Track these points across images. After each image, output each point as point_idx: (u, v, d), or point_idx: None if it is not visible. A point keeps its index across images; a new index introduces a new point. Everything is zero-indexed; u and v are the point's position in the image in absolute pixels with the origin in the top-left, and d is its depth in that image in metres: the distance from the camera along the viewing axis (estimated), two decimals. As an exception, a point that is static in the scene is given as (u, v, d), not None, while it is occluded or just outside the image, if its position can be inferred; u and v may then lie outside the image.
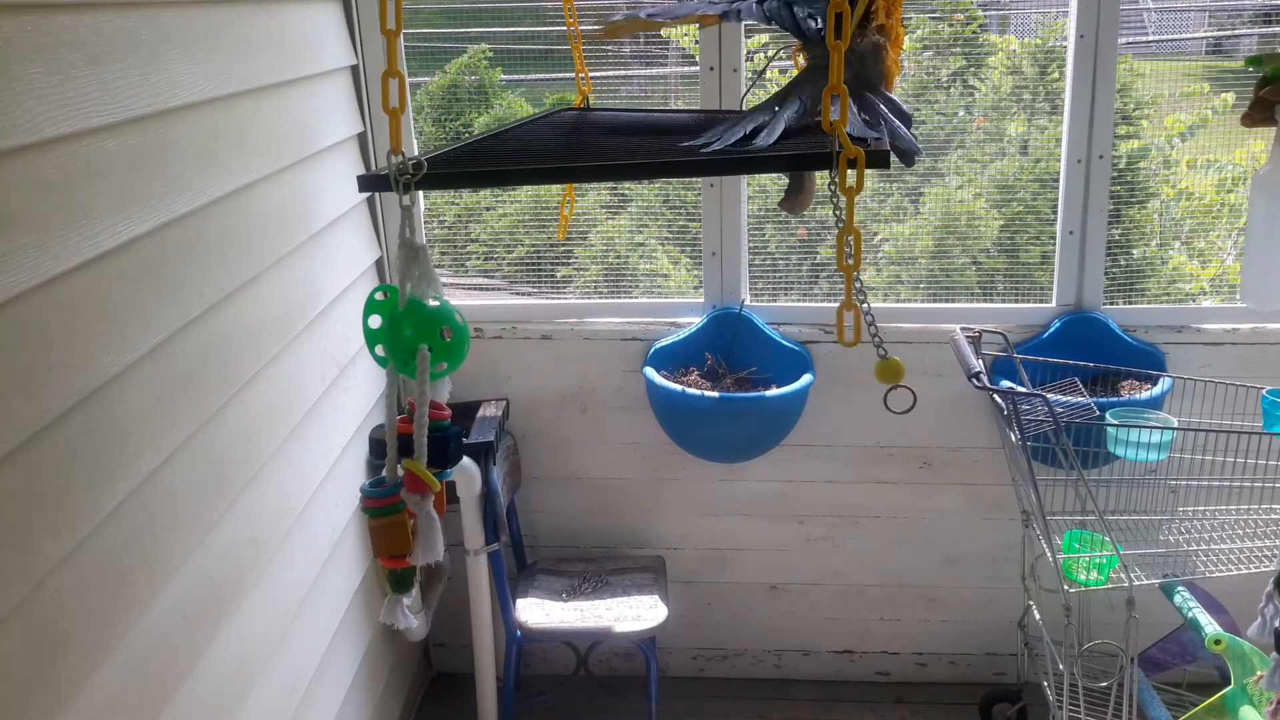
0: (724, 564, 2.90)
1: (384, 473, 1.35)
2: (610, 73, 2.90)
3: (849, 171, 1.19)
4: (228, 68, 1.80)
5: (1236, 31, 3.12)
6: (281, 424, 1.99)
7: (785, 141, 1.37)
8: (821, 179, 1.56)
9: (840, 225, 1.23)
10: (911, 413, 2.89)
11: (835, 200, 1.23)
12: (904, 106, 1.46)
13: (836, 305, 1.32)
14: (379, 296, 1.32)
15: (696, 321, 2.70)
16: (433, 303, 1.29)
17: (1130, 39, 2.78)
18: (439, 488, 1.31)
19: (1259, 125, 1.45)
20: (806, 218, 2.78)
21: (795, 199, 1.70)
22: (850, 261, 1.22)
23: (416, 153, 1.28)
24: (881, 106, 1.43)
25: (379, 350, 1.33)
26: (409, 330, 1.27)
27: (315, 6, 2.28)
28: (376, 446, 1.32)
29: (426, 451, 1.29)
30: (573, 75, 1.99)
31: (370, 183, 1.26)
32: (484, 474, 2.44)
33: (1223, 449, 2.19)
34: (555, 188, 2.84)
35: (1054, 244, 2.66)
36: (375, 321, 1.32)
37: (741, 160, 1.39)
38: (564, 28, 2.00)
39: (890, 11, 1.51)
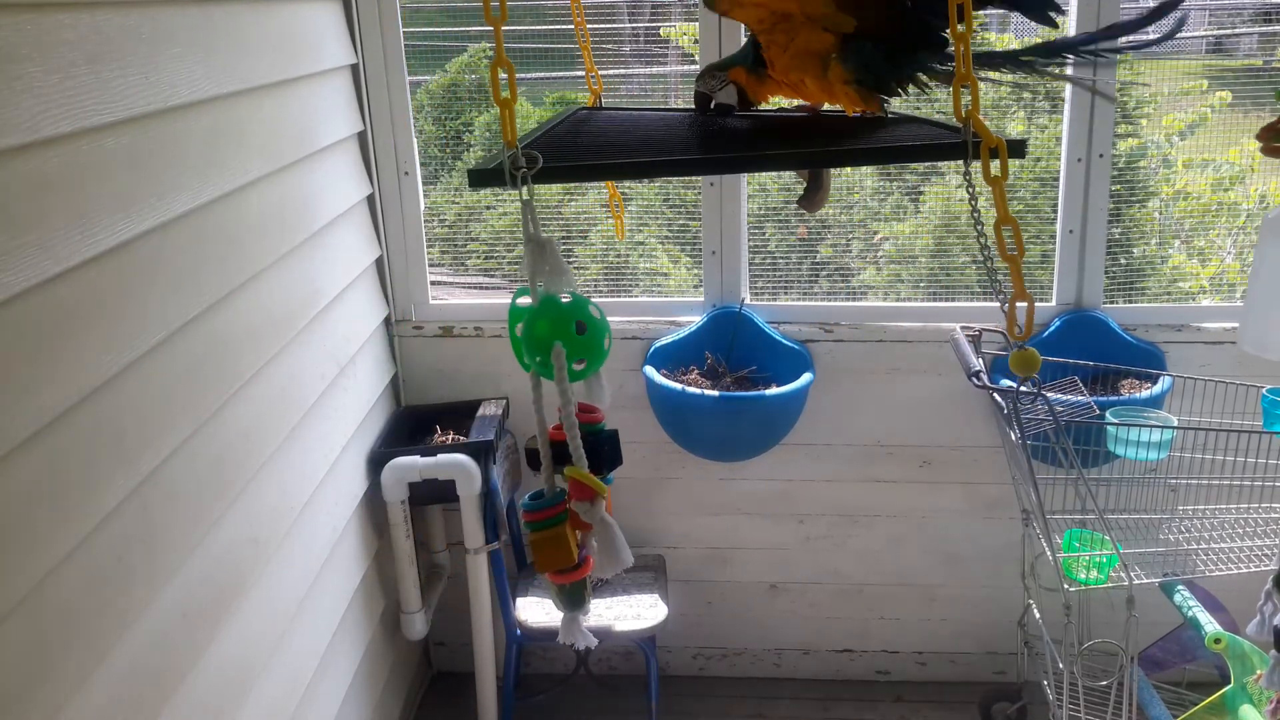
0: (724, 563, 2.90)
1: (544, 485, 1.27)
2: (610, 71, 2.90)
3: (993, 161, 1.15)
4: (228, 67, 1.80)
5: (1237, 30, 3.12)
6: (281, 423, 1.99)
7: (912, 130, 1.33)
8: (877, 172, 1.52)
9: (977, 216, 1.19)
10: (912, 411, 2.90)
11: (971, 190, 1.18)
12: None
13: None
14: (521, 301, 1.23)
15: (696, 320, 2.70)
16: (566, 297, 1.21)
17: (1130, 37, 2.77)
18: (606, 492, 1.22)
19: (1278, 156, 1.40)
20: (806, 218, 2.78)
21: (814, 197, 1.69)
22: (1013, 251, 1.17)
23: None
24: None
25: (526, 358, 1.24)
26: (543, 328, 1.19)
27: (315, 5, 2.28)
28: (531, 457, 1.23)
29: (584, 455, 1.21)
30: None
31: (483, 177, 1.18)
32: (484, 473, 2.44)
33: (1222, 448, 2.19)
34: (560, 188, 2.84)
35: (1054, 243, 2.66)
36: (520, 329, 1.23)
37: (878, 150, 1.34)
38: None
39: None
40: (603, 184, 2.89)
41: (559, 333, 1.18)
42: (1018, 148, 1.17)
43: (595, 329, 1.20)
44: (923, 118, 1.57)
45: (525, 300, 1.22)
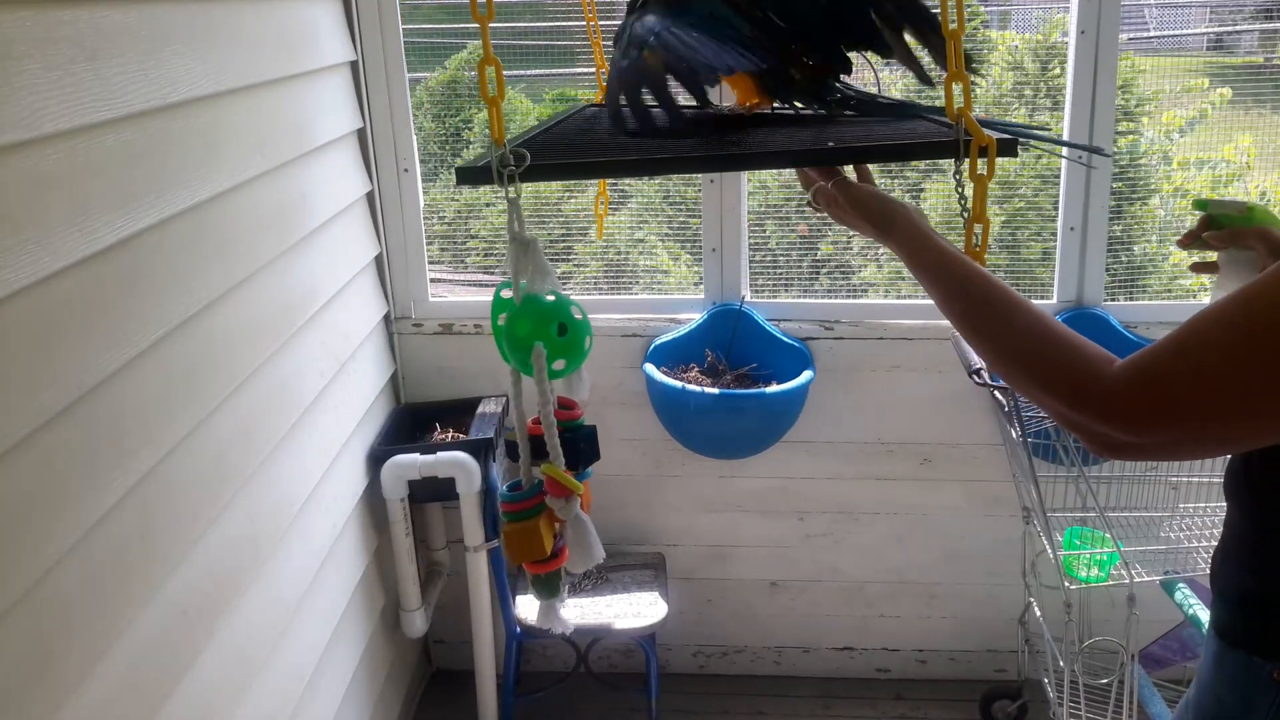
0: (724, 560, 2.90)
1: (521, 477, 1.28)
2: (610, 69, 2.89)
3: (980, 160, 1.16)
4: (227, 63, 1.79)
5: (1238, 27, 3.12)
6: (281, 420, 1.99)
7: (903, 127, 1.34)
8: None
9: (967, 214, 1.20)
10: (913, 409, 2.89)
11: (961, 189, 1.19)
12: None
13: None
14: (505, 294, 1.24)
15: (696, 318, 2.70)
16: (549, 297, 1.21)
17: (1131, 35, 2.78)
18: (581, 489, 1.24)
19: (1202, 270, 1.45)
20: (807, 215, 2.78)
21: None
22: (978, 247, 1.19)
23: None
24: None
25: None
26: (525, 328, 1.20)
27: (314, 2, 2.27)
28: (510, 449, 1.25)
29: (561, 453, 1.22)
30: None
31: (471, 174, 1.18)
32: (484, 471, 2.44)
33: (1223, 446, 2.18)
34: (560, 185, 2.83)
35: (1055, 240, 2.66)
36: (504, 320, 1.25)
37: (872, 149, 1.35)
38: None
39: None
40: (597, 184, 2.90)
41: (540, 333, 1.20)
42: (1008, 147, 1.18)
43: (576, 330, 1.22)
44: (913, 106, 1.57)
45: (509, 293, 1.23)
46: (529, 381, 1.22)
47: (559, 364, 1.22)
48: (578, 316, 1.22)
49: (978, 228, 1.19)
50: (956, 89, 1.18)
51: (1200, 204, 1.40)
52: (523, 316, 1.20)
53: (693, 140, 1.34)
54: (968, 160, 1.17)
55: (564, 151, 1.32)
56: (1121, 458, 1.01)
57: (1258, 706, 1.11)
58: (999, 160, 1.18)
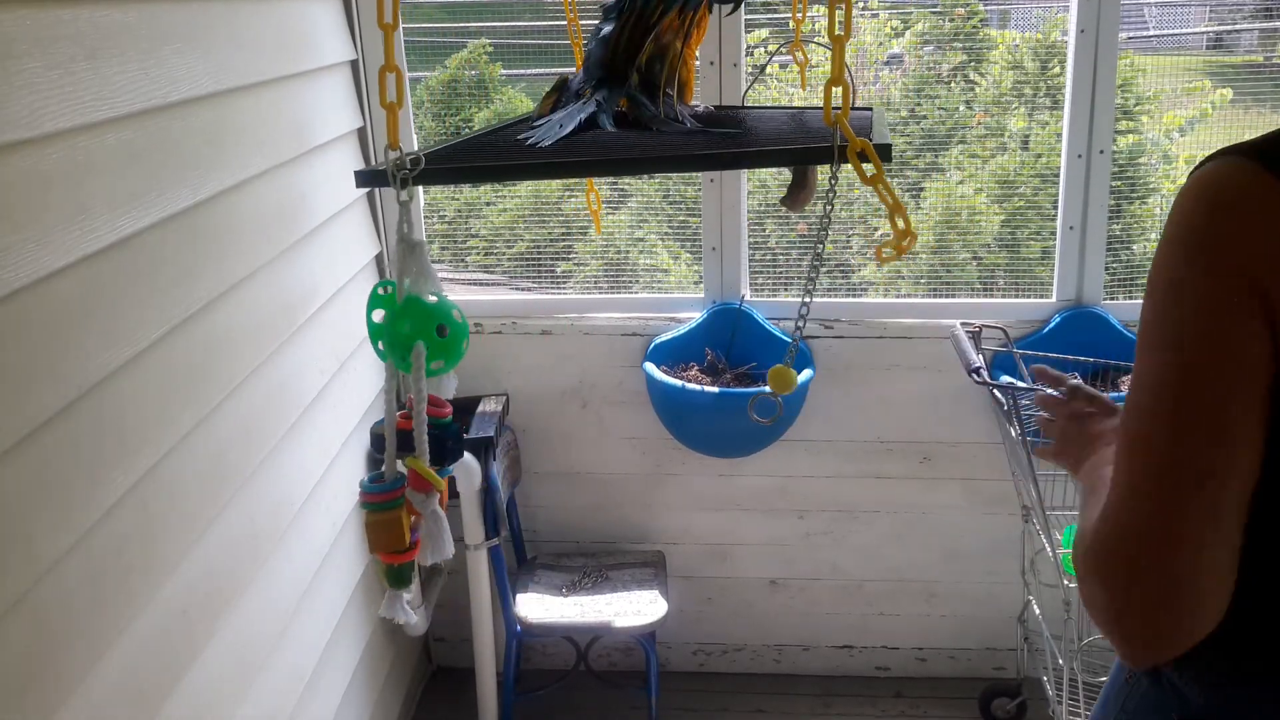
0: (724, 559, 2.90)
1: (383, 468, 1.34)
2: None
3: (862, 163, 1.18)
4: (227, 62, 1.79)
5: (1237, 26, 3.12)
6: (281, 419, 1.99)
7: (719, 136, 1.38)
8: (823, 173, 1.56)
9: (826, 217, 1.22)
10: (912, 408, 2.89)
11: (832, 194, 1.22)
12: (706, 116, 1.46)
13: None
14: (382, 291, 1.30)
15: (696, 317, 2.70)
16: (431, 299, 1.27)
17: (1131, 34, 2.78)
18: (442, 486, 1.29)
19: None
20: (807, 213, 2.78)
21: (798, 195, 1.70)
22: (895, 249, 1.21)
23: (417, 148, 1.28)
24: (679, 108, 1.45)
25: (380, 345, 1.32)
26: (406, 326, 1.26)
27: (314, 1, 2.27)
28: (377, 441, 1.31)
29: (427, 448, 1.27)
30: (572, 70, 1.97)
31: (368, 178, 1.25)
32: (484, 469, 2.44)
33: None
34: (559, 185, 2.83)
35: (1054, 239, 2.66)
36: (379, 315, 1.31)
37: (742, 155, 1.39)
38: (564, 23, 1.99)
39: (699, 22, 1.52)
40: (600, 180, 2.90)
41: (421, 333, 1.25)
42: (884, 150, 1.19)
43: (456, 332, 1.27)
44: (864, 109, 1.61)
45: (385, 290, 1.30)
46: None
47: (437, 364, 1.28)
48: (458, 319, 1.28)
49: (899, 221, 1.20)
50: (836, 93, 1.20)
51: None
52: (404, 316, 1.26)
53: (570, 147, 1.41)
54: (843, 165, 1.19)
55: (479, 156, 1.38)
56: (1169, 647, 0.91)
57: (1112, 707, 1.12)
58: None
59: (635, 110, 1.44)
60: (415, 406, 1.26)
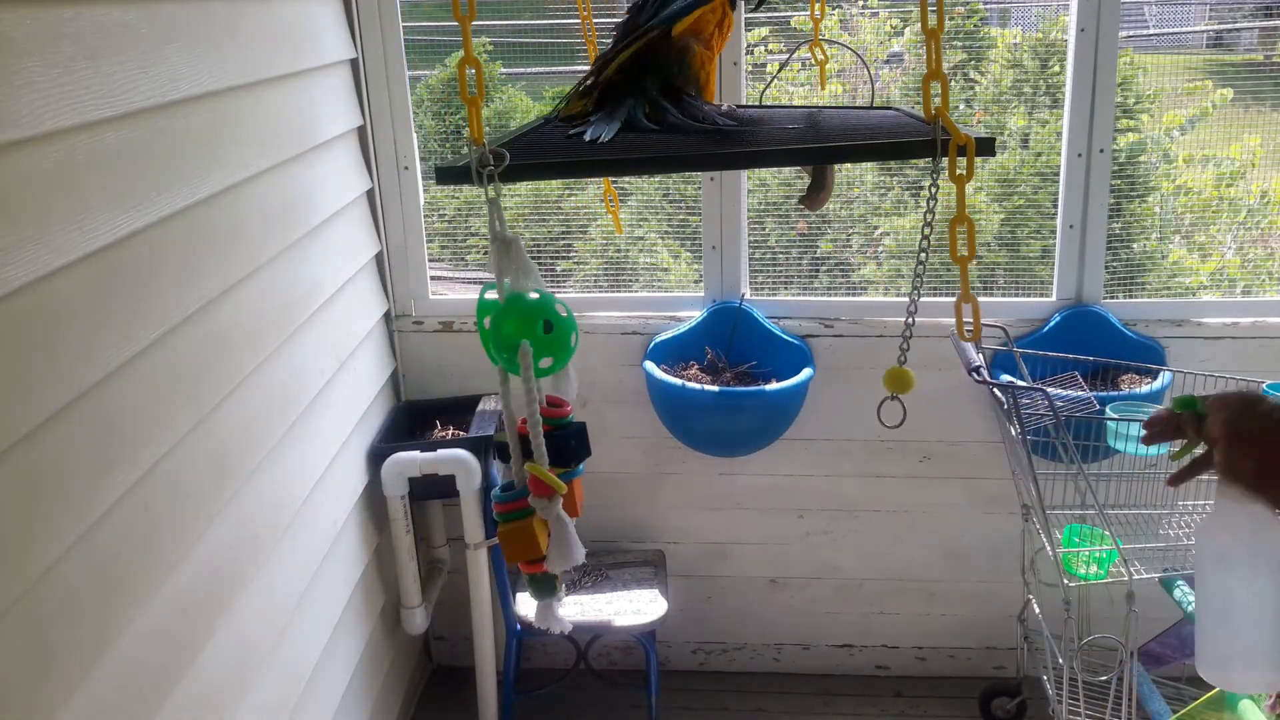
0: (724, 558, 2.90)
1: (513, 477, 1.28)
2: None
3: (959, 159, 1.16)
4: (227, 61, 1.79)
5: (1237, 25, 3.12)
6: (281, 418, 1.99)
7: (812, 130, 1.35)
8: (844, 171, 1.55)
9: (931, 215, 1.19)
10: (912, 407, 2.89)
11: (934, 190, 1.19)
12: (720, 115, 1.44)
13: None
14: (489, 295, 1.24)
15: (696, 315, 2.70)
16: (533, 295, 1.21)
17: (1131, 33, 2.78)
18: (564, 489, 1.23)
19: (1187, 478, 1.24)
20: (806, 213, 2.78)
21: (817, 195, 1.69)
22: (964, 252, 1.18)
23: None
24: (701, 107, 1.43)
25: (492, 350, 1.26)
26: (510, 327, 1.20)
27: (314, 0, 2.27)
28: (500, 450, 1.26)
29: (545, 452, 1.21)
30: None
31: (450, 174, 1.19)
32: (484, 468, 2.44)
33: (1222, 443, 2.18)
34: (559, 183, 2.83)
35: (1054, 238, 2.66)
36: (489, 323, 1.24)
37: (837, 150, 1.35)
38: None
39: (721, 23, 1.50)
40: (599, 179, 2.90)
41: (525, 331, 1.19)
42: (987, 145, 1.17)
43: (562, 327, 1.21)
44: (898, 109, 1.58)
45: (493, 295, 1.23)
46: (517, 383, 1.22)
47: (545, 362, 1.21)
48: (563, 314, 1.21)
49: (962, 231, 1.18)
50: (935, 88, 1.18)
51: (1185, 402, 1.17)
52: (508, 315, 1.20)
53: (669, 141, 1.37)
54: (945, 160, 1.16)
55: (543, 152, 1.34)
56: None
57: None
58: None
59: (657, 114, 1.42)
60: (528, 408, 1.20)
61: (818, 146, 1.33)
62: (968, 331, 1.18)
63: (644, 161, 1.46)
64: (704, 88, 1.50)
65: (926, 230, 1.26)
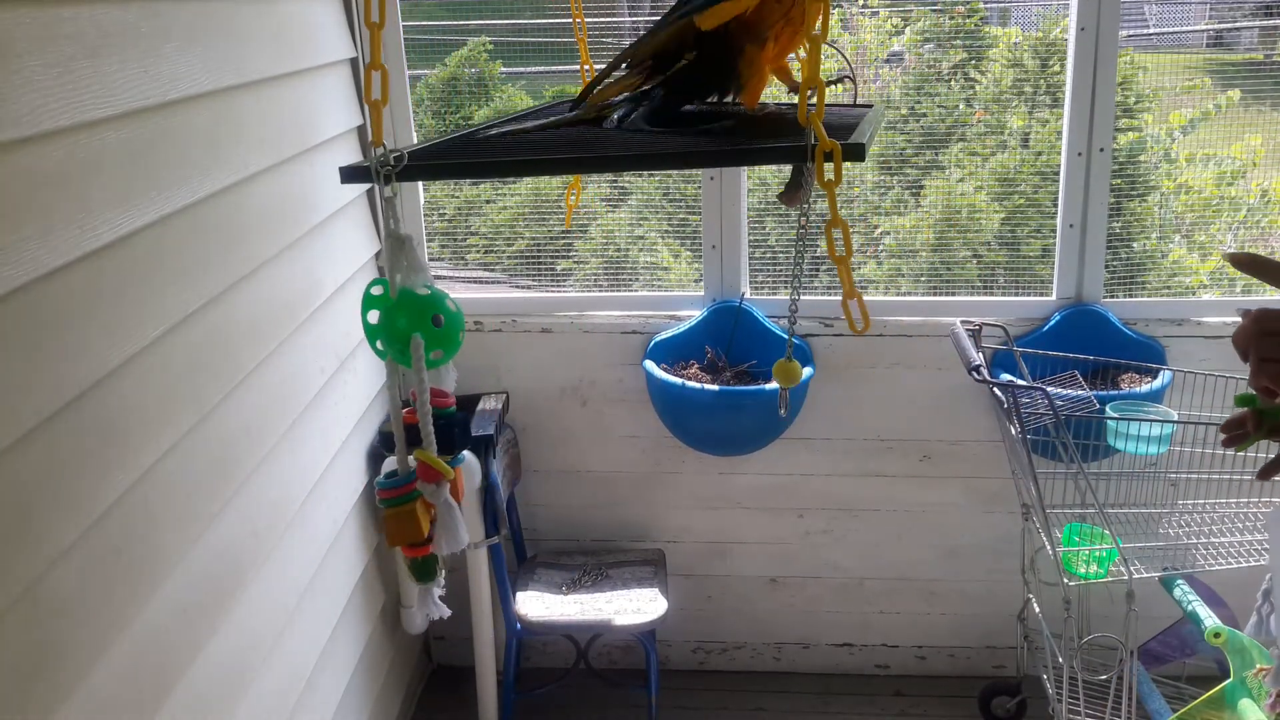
0: (723, 557, 2.90)
1: (395, 464, 1.36)
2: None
3: (826, 165, 1.17)
4: (227, 60, 1.79)
5: (1238, 24, 3.12)
6: (282, 417, 1.99)
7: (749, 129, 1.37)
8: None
9: (804, 219, 1.23)
10: (912, 406, 2.90)
11: (807, 194, 1.22)
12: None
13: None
14: (375, 291, 1.32)
15: (696, 314, 2.70)
16: (423, 291, 1.29)
17: (1131, 32, 2.78)
18: (451, 475, 1.31)
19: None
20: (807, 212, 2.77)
21: (795, 192, 1.69)
22: (842, 252, 1.21)
23: (416, 144, 1.29)
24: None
25: (379, 344, 1.34)
26: (403, 321, 1.28)
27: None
28: (386, 439, 1.34)
29: (434, 439, 1.29)
30: (572, 68, 1.98)
31: (352, 174, 1.26)
32: (484, 467, 2.44)
33: (1223, 442, 2.19)
34: (558, 178, 2.83)
35: (1054, 237, 2.66)
36: (374, 316, 1.32)
37: (722, 153, 1.39)
38: (564, 21, 1.99)
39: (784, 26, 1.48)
40: (602, 178, 2.90)
41: (417, 325, 1.26)
42: (855, 151, 1.18)
43: (451, 321, 1.29)
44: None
45: (378, 290, 1.31)
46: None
47: (436, 354, 1.29)
48: (452, 308, 1.29)
49: (837, 233, 1.19)
50: (810, 94, 1.19)
51: (1245, 399, 1.11)
52: (400, 310, 1.27)
53: (558, 144, 1.41)
54: (814, 165, 1.18)
55: (459, 153, 1.39)
56: None
57: None
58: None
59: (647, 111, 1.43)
60: (419, 399, 1.28)
61: (693, 151, 1.36)
62: (858, 325, 1.21)
63: (532, 164, 1.52)
64: (744, 87, 1.48)
65: (801, 232, 1.27)
